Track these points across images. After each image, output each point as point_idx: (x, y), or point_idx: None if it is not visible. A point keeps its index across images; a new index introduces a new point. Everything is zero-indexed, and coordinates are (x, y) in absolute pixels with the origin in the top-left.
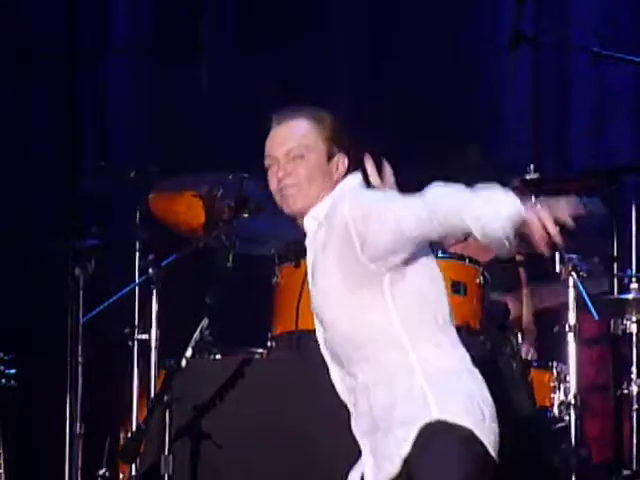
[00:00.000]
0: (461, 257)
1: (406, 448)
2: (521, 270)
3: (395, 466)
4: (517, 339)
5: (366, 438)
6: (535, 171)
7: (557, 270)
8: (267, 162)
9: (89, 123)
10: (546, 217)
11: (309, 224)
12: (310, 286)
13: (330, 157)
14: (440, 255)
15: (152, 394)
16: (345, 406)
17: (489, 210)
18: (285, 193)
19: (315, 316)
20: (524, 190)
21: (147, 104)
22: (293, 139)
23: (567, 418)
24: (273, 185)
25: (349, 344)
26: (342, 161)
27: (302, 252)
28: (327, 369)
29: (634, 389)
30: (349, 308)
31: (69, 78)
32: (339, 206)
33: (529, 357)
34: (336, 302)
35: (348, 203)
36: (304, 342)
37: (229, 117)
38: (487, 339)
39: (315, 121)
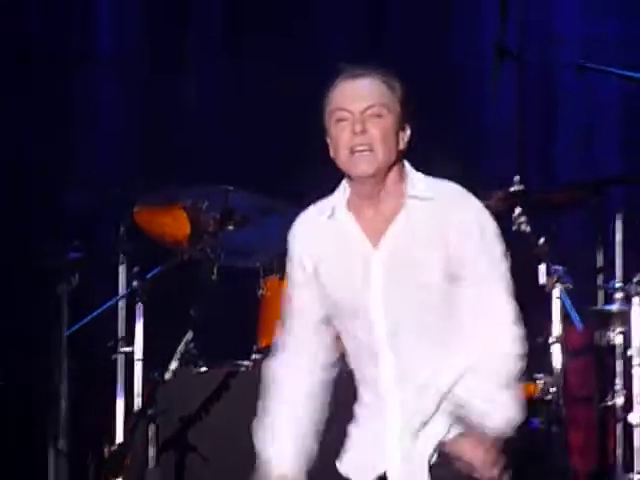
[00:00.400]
0: None
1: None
2: None
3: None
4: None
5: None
6: (520, 182)
7: (542, 282)
8: (337, 115)
9: (75, 133)
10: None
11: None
12: (380, 271)
13: (402, 125)
14: None
15: (137, 407)
16: (331, 418)
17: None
18: (357, 150)
19: (374, 300)
20: (509, 201)
21: (133, 114)
22: (373, 96)
23: (552, 430)
24: (344, 140)
25: (426, 340)
26: (408, 133)
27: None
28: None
29: (618, 400)
30: (446, 304)
31: (55, 88)
32: (455, 206)
33: None
34: (436, 296)
35: (467, 207)
36: None
37: (216, 128)
38: None
39: (390, 84)
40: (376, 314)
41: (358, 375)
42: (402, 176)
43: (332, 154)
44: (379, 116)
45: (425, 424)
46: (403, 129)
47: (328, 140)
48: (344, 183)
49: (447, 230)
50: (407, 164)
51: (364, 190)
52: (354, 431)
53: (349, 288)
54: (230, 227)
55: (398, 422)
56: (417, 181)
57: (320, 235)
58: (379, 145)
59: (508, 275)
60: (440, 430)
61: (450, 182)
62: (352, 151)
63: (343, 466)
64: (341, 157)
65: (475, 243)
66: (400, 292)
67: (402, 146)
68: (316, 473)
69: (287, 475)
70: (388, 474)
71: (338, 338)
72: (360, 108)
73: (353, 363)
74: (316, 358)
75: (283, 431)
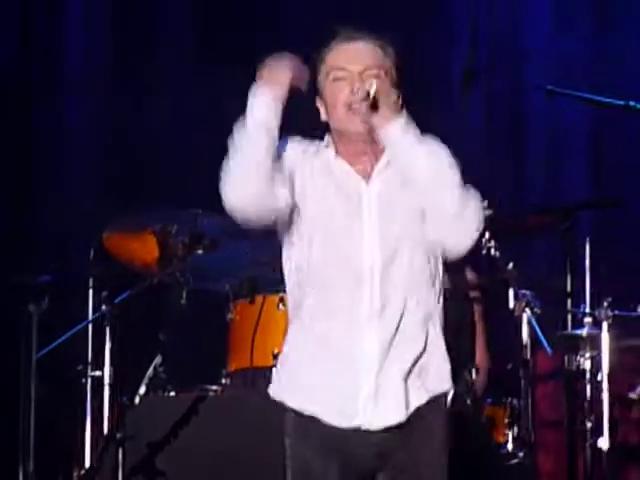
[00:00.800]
0: None
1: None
2: (476, 306)
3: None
4: (471, 375)
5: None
6: (489, 207)
7: (511, 306)
8: (335, 75)
9: (43, 155)
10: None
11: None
12: (373, 212)
13: (396, 88)
14: None
15: (106, 431)
16: None
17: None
18: (355, 107)
19: (369, 236)
20: None
21: (102, 137)
22: (370, 57)
23: (521, 454)
24: (342, 97)
25: (415, 276)
26: (401, 96)
27: (256, 288)
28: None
29: (588, 425)
30: (423, 244)
31: (24, 110)
32: None
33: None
34: (418, 233)
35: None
36: (258, 379)
37: (184, 150)
38: None
39: (385, 48)
40: (370, 245)
41: (321, 307)
42: None
43: (324, 115)
44: (377, 77)
45: (399, 353)
46: (396, 92)
47: (318, 103)
48: (328, 138)
49: None
50: None
51: (355, 147)
52: (308, 369)
53: (342, 215)
54: (199, 251)
55: (375, 356)
56: None
57: (309, 160)
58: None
59: None
60: (410, 362)
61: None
62: (350, 107)
63: (307, 405)
64: (338, 114)
65: None
66: (393, 225)
67: (397, 108)
68: None
69: None
70: (363, 411)
71: None
72: (358, 68)
73: (318, 294)
74: None
75: None
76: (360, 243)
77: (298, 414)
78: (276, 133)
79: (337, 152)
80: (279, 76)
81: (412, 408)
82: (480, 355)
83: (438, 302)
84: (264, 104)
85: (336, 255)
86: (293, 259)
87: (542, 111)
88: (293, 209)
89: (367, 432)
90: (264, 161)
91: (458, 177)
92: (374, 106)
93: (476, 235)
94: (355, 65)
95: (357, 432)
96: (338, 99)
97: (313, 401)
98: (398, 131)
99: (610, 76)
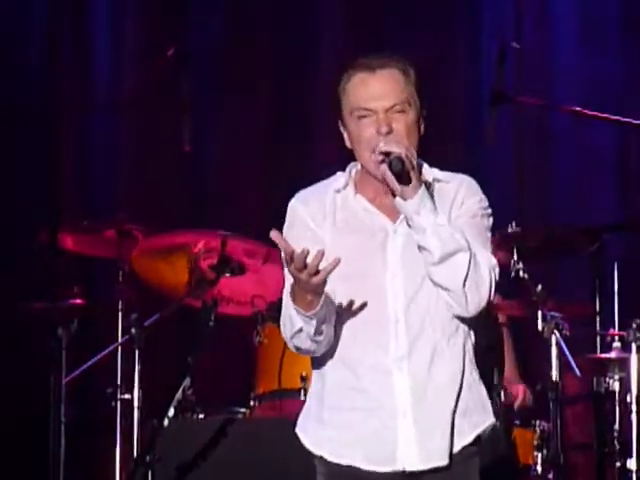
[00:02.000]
0: None
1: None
2: (504, 329)
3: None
4: (500, 397)
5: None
6: (517, 226)
7: (539, 329)
8: (360, 114)
9: (71, 179)
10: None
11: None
12: (402, 240)
13: (421, 112)
14: None
15: (135, 454)
16: None
17: None
18: (377, 159)
19: (392, 276)
20: (506, 247)
21: (130, 160)
22: (395, 93)
23: (550, 476)
24: (367, 139)
25: (442, 315)
26: (423, 119)
27: None
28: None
29: (617, 446)
30: None
31: (52, 132)
32: (461, 185)
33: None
34: None
35: (475, 191)
36: (287, 401)
37: (213, 174)
38: None
39: (407, 72)
40: (393, 284)
41: (346, 354)
42: (418, 164)
43: (348, 145)
44: (403, 112)
45: (438, 395)
46: (422, 115)
47: (342, 129)
48: (351, 167)
49: (455, 208)
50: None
51: (384, 184)
52: (337, 420)
53: (366, 259)
54: (227, 274)
55: (409, 397)
56: (432, 170)
57: (327, 207)
58: (404, 141)
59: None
60: (453, 402)
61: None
62: (374, 151)
63: (343, 457)
64: (364, 156)
65: (468, 213)
66: (418, 264)
67: (422, 132)
68: None
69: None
70: (404, 453)
71: None
72: (384, 107)
73: (342, 341)
74: None
75: None
76: (383, 283)
77: (331, 464)
78: (323, 318)
79: (357, 189)
80: (310, 290)
81: (457, 448)
82: (509, 375)
83: (469, 334)
84: (302, 320)
85: (359, 298)
86: None
87: (571, 130)
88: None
89: (409, 474)
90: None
91: (468, 258)
92: (397, 173)
93: (484, 304)
94: (380, 103)
95: (397, 474)
96: (363, 140)
97: (347, 452)
98: (411, 210)
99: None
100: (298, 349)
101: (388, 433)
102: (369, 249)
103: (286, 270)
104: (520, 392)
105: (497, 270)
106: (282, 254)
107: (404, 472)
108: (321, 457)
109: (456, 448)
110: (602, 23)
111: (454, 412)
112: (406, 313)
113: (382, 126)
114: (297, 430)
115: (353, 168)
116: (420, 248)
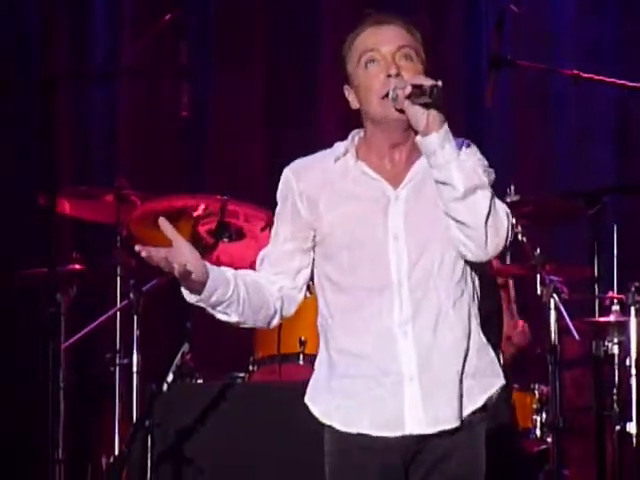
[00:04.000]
0: None
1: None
2: (502, 292)
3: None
4: (500, 361)
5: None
6: (515, 193)
7: (538, 292)
8: (367, 57)
9: (68, 145)
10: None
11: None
12: (403, 206)
13: (425, 71)
14: None
15: (134, 419)
16: None
17: None
18: (396, 94)
19: (394, 241)
20: None
21: (128, 127)
22: (401, 38)
23: (549, 440)
24: (377, 83)
25: (447, 278)
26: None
27: None
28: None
29: (616, 409)
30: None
31: (49, 100)
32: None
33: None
34: (446, 235)
35: (468, 145)
36: (286, 365)
37: (211, 140)
38: None
39: (412, 31)
40: (396, 249)
41: (352, 320)
42: None
43: (356, 103)
44: (410, 58)
45: (444, 358)
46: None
47: (347, 92)
48: (354, 134)
49: None
50: None
51: (392, 137)
52: (345, 387)
53: (367, 226)
54: (226, 239)
55: (414, 362)
56: None
57: (325, 176)
58: None
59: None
60: (459, 366)
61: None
62: (385, 95)
63: (352, 425)
64: (373, 104)
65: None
66: (421, 228)
67: None
68: None
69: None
70: (412, 418)
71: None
72: (392, 49)
73: (347, 307)
74: (283, 277)
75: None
76: (385, 249)
77: (342, 434)
78: (233, 296)
79: (358, 156)
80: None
81: (467, 412)
82: (509, 331)
83: (474, 299)
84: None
85: (362, 265)
86: (323, 276)
87: (569, 95)
88: (321, 235)
89: (418, 438)
90: (253, 314)
91: (490, 196)
92: (435, 103)
93: (502, 245)
94: (387, 46)
95: (406, 439)
96: (372, 85)
97: (356, 419)
98: (436, 143)
99: (638, 59)
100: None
101: (395, 398)
102: (370, 216)
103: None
104: (519, 325)
105: (511, 217)
106: None
107: (412, 436)
108: (331, 427)
109: (466, 412)
110: None
111: (461, 375)
112: (410, 277)
113: (391, 68)
114: (306, 400)
115: (356, 135)
116: (441, 184)
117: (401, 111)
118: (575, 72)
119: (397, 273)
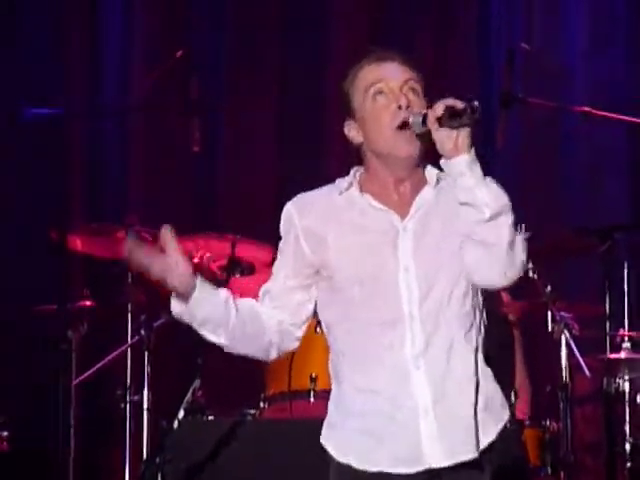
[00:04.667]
0: None
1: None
2: (515, 329)
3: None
4: (511, 398)
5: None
6: (527, 230)
7: (549, 329)
8: (376, 89)
9: (81, 181)
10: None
11: (430, 177)
12: (412, 238)
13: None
14: None
15: (144, 455)
16: None
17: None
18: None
19: (405, 273)
20: None
21: (140, 162)
22: (408, 73)
23: (561, 476)
24: (388, 117)
25: (456, 310)
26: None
27: None
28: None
29: (627, 447)
30: (463, 274)
31: (63, 135)
32: None
33: (524, 416)
34: (456, 267)
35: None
36: (297, 402)
37: (222, 175)
38: None
39: (418, 68)
40: (407, 281)
41: (363, 355)
42: (423, 160)
43: (360, 138)
44: (416, 92)
45: (457, 389)
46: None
47: (348, 127)
48: (355, 170)
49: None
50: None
51: (397, 172)
52: (360, 426)
53: (378, 258)
54: (238, 274)
55: (428, 395)
56: (433, 169)
57: (330, 210)
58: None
59: None
60: (473, 396)
61: None
62: (399, 127)
63: (370, 463)
64: (384, 136)
65: None
66: (430, 259)
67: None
68: None
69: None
70: (430, 451)
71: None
72: (399, 82)
73: (358, 342)
74: (281, 314)
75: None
76: (396, 281)
77: (359, 472)
78: (222, 318)
79: (362, 189)
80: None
81: (484, 444)
82: (520, 378)
83: (481, 332)
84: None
85: (373, 299)
86: (332, 311)
87: (581, 132)
88: (330, 270)
89: (436, 472)
90: (246, 341)
91: (512, 221)
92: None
93: (519, 273)
94: (394, 79)
95: (425, 474)
96: (382, 117)
97: (373, 457)
98: (465, 165)
99: None
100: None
101: (411, 433)
102: (380, 248)
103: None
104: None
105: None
106: None
107: (431, 470)
108: (349, 465)
109: (483, 444)
110: (612, 23)
111: (475, 406)
112: (421, 309)
113: (401, 99)
114: (322, 440)
115: (357, 172)
116: (466, 206)
117: (420, 136)
118: (586, 109)
119: (408, 305)
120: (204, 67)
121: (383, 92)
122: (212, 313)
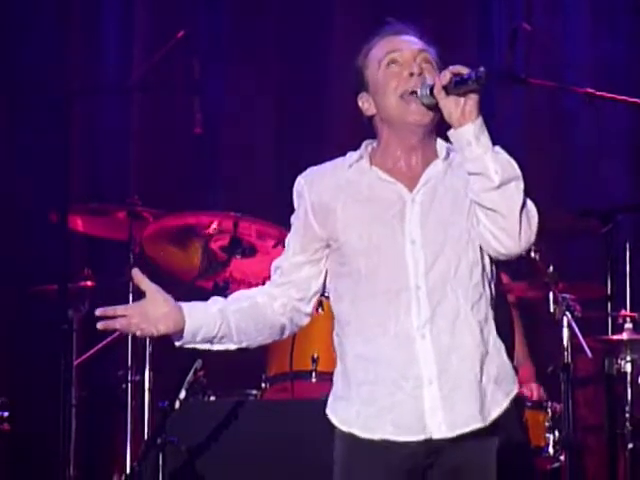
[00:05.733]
0: None
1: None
2: (513, 310)
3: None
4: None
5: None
6: None
7: (551, 310)
8: (390, 58)
9: (81, 161)
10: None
11: (440, 149)
12: (419, 210)
13: None
14: None
15: (146, 436)
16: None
17: None
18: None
19: (411, 244)
20: None
21: (141, 143)
22: (423, 45)
23: (562, 458)
24: (398, 83)
25: (464, 282)
26: None
27: None
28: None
29: (628, 428)
30: (471, 247)
31: (62, 115)
32: None
33: (539, 398)
34: (463, 239)
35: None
36: (298, 383)
37: (224, 156)
38: None
39: (431, 45)
40: (413, 252)
41: (369, 324)
42: (434, 132)
43: (373, 109)
44: (429, 62)
45: (462, 361)
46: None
47: (362, 100)
48: (367, 143)
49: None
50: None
51: (409, 140)
52: (365, 394)
53: (384, 230)
54: (238, 256)
55: (433, 364)
56: (441, 140)
57: (339, 183)
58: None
59: None
60: (478, 369)
61: None
62: (407, 93)
63: (377, 430)
64: (394, 103)
65: None
66: (437, 231)
67: None
68: None
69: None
70: (432, 421)
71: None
72: (414, 51)
73: (365, 311)
74: (288, 293)
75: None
76: (402, 252)
77: (363, 441)
78: (220, 332)
79: (372, 161)
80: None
81: (493, 416)
82: (521, 358)
83: (491, 304)
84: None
85: (379, 270)
86: (340, 282)
87: (582, 113)
88: (338, 242)
89: (439, 442)
90: (257, 336)
91: (522, 188)
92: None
93: (533, 238)
94: (408, 48)
95: (427, 443)
96: (393, 85)
97: (377, 425)
98: (472, 134)
99: None
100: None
101: (414, 402)
102: (386, 219)
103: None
104: (534, 390)
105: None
106: None
107: (432, 440)
108: (352, 434)
109: (493, 415)
110: (614, 3)
111: (481, 378)
112: (427, 279)
113: (413, 67)
114: (327, 411)
115: (369, 145)
116: (475, 175)
117: (427, 107)
118: (588, 90)
119: (415, 277)
120: (203, 49)
121: (397, 61)
122: (209, 332)
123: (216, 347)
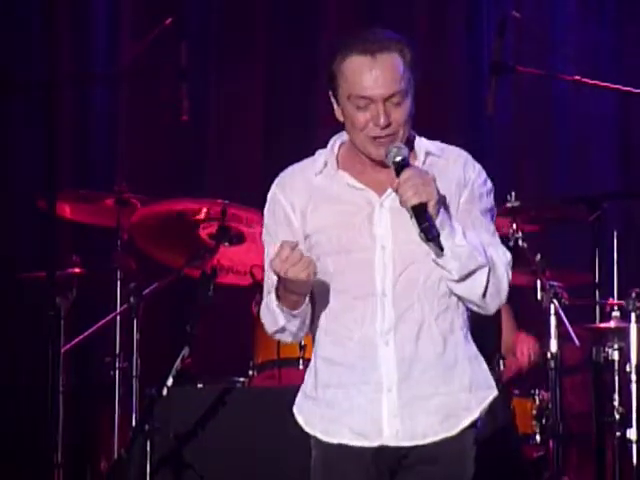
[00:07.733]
0: None
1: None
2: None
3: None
4: (499, 366)
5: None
6: (516, 198)
7: (538, 298)
8: (357, 103)
9: (69, 148)
10: None
11: (419, 151)
12: (389, 216)
13: (414, 95)
14: None
15: (133, 423)
16: None
17: None
18: (381, 141)
19: (381, 250)
20: (505, 217)
21: (128, 130)
22: (394, 82)
23: (549, 446)
24: (364, 127)
25: (432, 291)
26: (415, 99)
27: None
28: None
29: (616, 416)
30: None
31: (50, 101)
32: (466, 164)
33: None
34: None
35: (478, 171)
36: (285, 370)
37: (211, 142)
38: None
39: (403, 53)
40: (383, 259)
41: (335, 327)
42: (409, 138)
43: (339, 116)
44: (399, 104)
45: (424, 371)
46: (415, 95)
47: (333, 100)
48: (335, 139)
49: (450, 185)
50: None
51: (374, 160)
52: (329, 395)
53: (352, 232)
54: (226, 243)
55: (394, 372)
56: (423, 142)
57: (308, 187)
58: (401, 129)
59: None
60: (440, 380)
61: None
62: (378, 141)
63: (333, 435)
64: (359, 138)
65: (475, 199)
66: (407, 238)
67: (414, 110)
68: None
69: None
70: (388, 429)
71: None
72: (383, 96)
73: (333, 319)
74: None
75: None
76: (371, 257)
77: (325, 444)
78: (305, 315)
79: (339, 165)
80: (296, 291)
81: (465, 424)
82: (509, 343)
83: (461, 314)
84: (285, 319)
85: (347, 273)
86: (315, 282)
87: (570, 100)
88: (309, 243)
89: (396, 451)
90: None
91: (487, 271)
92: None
93: (503, 302)
94: (378, 92)
95: (386, 450)
96: (359, 126)
97: (336, 429)
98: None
99: (638, 63)
100: (279, 340)
101: (373, 408)
102: (355, 223)
103: (267, 265)
104: (524, 351)
105: (511, 264)
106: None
107: (389, 447)
108: (315, 437)
109: (463, 424)
110: None
111: (447, 389)
112: (394, 287)
113: (381, 117)
114: (294, 409)
115: (338, 140)
116: (438, 265)
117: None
118: (576, 77)
119: (382, 282)
120: (192, 34)
121: (365, 107)
122: (306, 309)
123: (291, 324)
